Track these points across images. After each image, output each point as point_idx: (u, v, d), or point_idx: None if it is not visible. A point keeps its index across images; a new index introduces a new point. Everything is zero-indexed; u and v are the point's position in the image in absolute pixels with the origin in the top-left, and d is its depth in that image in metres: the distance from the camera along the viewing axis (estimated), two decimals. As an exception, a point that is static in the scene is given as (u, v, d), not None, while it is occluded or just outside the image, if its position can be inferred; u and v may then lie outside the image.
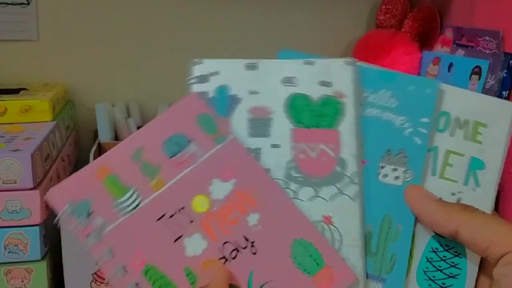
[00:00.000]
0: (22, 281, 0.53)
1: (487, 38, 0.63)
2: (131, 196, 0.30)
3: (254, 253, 0.30)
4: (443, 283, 0.31)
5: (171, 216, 0.30)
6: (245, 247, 0.30)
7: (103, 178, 0.31)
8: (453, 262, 0.32)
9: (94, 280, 0.54)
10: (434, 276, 0.32)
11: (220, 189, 0.31)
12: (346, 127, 0.32)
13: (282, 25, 0.82)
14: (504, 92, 0.60)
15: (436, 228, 0.31)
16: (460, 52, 0.69)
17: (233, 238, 0.30)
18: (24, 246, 0.52)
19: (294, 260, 0.30)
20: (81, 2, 0.77)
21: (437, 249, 0.32)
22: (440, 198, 0.32)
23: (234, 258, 0.30)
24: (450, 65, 0.68)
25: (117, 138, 0.73)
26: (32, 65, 0.78)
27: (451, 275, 0.31)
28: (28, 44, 0.77)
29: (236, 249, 0.30)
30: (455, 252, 0.32)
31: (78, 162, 0.76)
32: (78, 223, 0.30)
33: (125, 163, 0.31)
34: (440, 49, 0.74)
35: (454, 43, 0.71)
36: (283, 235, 0.30)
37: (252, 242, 0.30)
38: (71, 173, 0.68)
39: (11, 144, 0.54)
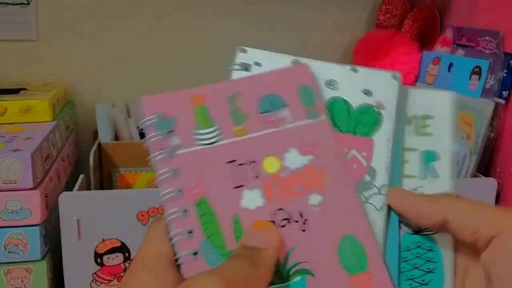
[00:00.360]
0: (22, 281, 0.53)
1: (487, 38, 0.63)
2: (213, 132, 0.31)
3: (303, 231, 0.30)
4: (422, 280, 0.31)
5: (241, 164, 0.30)
6: (296, 221, 0.30)
7: (195, 106, 0.32)
8: (427, 257, 0.32)
9: (94, 280, 0.54)
10: (412, 275, 0.31)
11: (295, 159, 0.31)
12: (382, 138, 0.32)
13: (282, 25, 0.83)
14: (504, 92, 0.60)
15: (424, 220, 0.31)
16: (460, 52, 0.69)
17: (289, 208, 0.30)
18: (24, 246, 0.52)
19: (338, 252, 0.29)
20: (81, 2, 0.77)
21: (409, 247, 0.32)
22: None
23: (282, 226, 0.29)
24: (450, 65, 0.68)
25: (117, 138, 0.73)
26: (32, 65, 0.78)
27: (428, 270, 0.31)
28: (28, 44, 0.77)
29: (288, 219, 0.30)
30: (427, 247, 0.32)
31: (78, 162, 0.76)
32: (157, 135, 0.31)
33: (220, 101, 0.32)
34: (440, 49, 0.74)
35: (454, 43, 0.71)
36: (337, 225, 0.30)
37: (305, 220, 0.30)
38: (71, 173, 0.69)
39: (11, 144, 0.54)
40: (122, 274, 0.55)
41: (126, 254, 0.54)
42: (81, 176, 0.59)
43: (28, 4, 0.76)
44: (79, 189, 0.56)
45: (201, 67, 0.82)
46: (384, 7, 0.81)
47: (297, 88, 0.32)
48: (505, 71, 0.60)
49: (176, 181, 0.30)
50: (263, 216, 0.29)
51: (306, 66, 0.33)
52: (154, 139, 0.31)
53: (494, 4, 0.64)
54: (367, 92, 0.33)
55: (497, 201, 0.60)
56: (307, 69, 0.33)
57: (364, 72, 0.34)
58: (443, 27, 0.75)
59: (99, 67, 0.79)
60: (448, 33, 0.73)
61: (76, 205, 0.52)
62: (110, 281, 0.55)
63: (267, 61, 0.34)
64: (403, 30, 0.78)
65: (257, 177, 0.30)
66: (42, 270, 0.53)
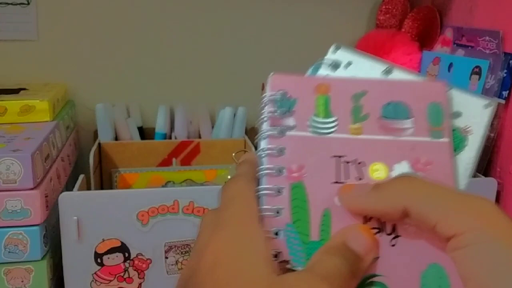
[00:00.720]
0: (22, 281, 0.53)
1: (487, 38, 0.63)
2: (329, 123, 0.31)
3: (392, 245, 0.28)
4: None
5: (348, 162, 0.30)
6: (388, 234, 0.29)
7: (318, 93, 0.31)
8: None
9: (94, 280, 0.54)
10: None
11: (404, 172, 0.30)
12: (461, 164, 0.31)
13: (282, 26, 0.83)
14: (504, 92, 0.60)
15: (386, 218, 0.28)
16: (460, 52, 0.69)
17: (383, 219, 0.29)
18: (24, 246, 0.52)
19: (422, 278, 0.28)
20: (81, 3, 0.77)
21: None
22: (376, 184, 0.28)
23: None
24: (450, 65, 0.68)
25: (117, 138, 0.73)
26: (32, 65, 0.78)
27: None
28: (28, 44, 0.77)
29: (379, 229, 0.29)
30: None
31: (78, 162, 0.76)
32: (275, 111, 0.31)
33: (344, 95, 0.31)
34: (440, 49, 0.74)
35: (454, 43, 0.71)
36: (429, 250, 0.28)
37: (397, 236, 0.29)
38: (71, 173, 0.69)
39: (11, 144, 0.54)
40: (122, 274, 0.55)
41: (126, 254, 0.54)
42: (81, 176, 0.59)
43: (28, 4, 0.76)
44: (79, 189, 0.56)
45: (201, 67, 0.82)
46: (384, 7, 0.81)
47: (427, 103, 0.32)
48: (505, 71, 0.60)
49: (280, 159, 0.30)
50: (355, 219, 0.29)
51: (443, 84, 0.32)
52: (271, 114, 0.31)
53: (494, 4, 0.64)
54: (458, 114, 0.33)
55: (497, 201, 0.60)
56: (443, 87, 0.32)
57: (458, 94, 0.33)
58: (443, 27, 0.75)
59: (99, 67, 0.79)
60: (448, 33, 0.73)
61: (76, 205, 0.52)
62: (110, 281, 0.55)
63: (359, 63, 0.34)
64: (403, 30, 0.78)
65: (360, 179, 0.30)
66: (42, 270, 0.53)
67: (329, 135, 0.31)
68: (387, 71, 0.34)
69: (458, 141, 0.32)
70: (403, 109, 0.31)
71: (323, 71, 0.34)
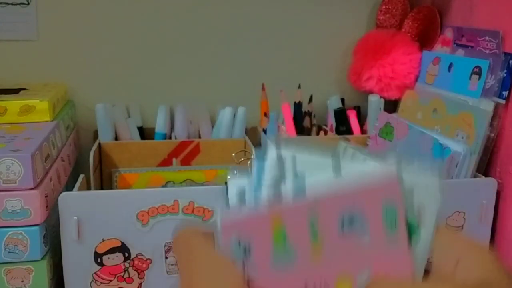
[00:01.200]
0: (22, 281, 0.53)
1: (487, 38, 0.63)
2: (290, 255, 0.31)
3: None
4: None
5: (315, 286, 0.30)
6: None
7: (273, 229, 0.31)
8: None
9: (94, 280, 0.54)
10: None
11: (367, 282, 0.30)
12: (419, 251, 0.31)
13: (282, 26, 0.82)
14: (504, 92, 0.60)
15: None
16: (460, 52, 0.69)
17: None
18: (24, 246, 0.52)
19: None
20: (81, 3, 0.77)
21: None
22: None
23: None
24: (450, 65, 0.68)
25: (117, 138, 0.73)
26: (32, 65, 0.78)
27: None
28: (28, 44, 0.77)
29: None
30: None
31: (78, 162, 0.76)
32: (234, 260, 0.30)
33: (299, 223, 0.31)
34: (440, 49, 0.74)
35: (454, 43, 0.71)
36: None
37: None
38: (71, 173, 0.69)
39: (11, 144, 0.54)
40: (122, 274, 0.55)
41: (126, 254, 0.54)
42: (81, 176, 0.59)
43: (28, 4, 0.76)
44: (79, 189, 0.56)
45: (201, 67, 0.82)
46: (384, 7, 0.80)
47: (382, 204, 0.31)
48: (505, 71, 0.60)
49: None
50: None
51: (395, 182, 0.31)
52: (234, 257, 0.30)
53: (494, 4, 0.64)
54: (409, 191, 0.31)
55: (497, 201, 0.60)
56: (395, 182, 0.31)
57: (406, 176, 0.32)
58: (443, 27, 0.75)
59: (99, 67, 0.79)
60: (448, 33, 0.73)
61: (76, 205, 0.52)
62: (110, 281, 0.55)
63: (302, 157, 0.33)
64: (403, 30, 0.78)
65: None
66: (42, 270, 0.53)
67: (293, 266, 0.30)
68: (335, 168, 0.32)
69: (412, 231, 0.31)
70: (358, 219, 0.31)
71: (268, 167, 0.32)
